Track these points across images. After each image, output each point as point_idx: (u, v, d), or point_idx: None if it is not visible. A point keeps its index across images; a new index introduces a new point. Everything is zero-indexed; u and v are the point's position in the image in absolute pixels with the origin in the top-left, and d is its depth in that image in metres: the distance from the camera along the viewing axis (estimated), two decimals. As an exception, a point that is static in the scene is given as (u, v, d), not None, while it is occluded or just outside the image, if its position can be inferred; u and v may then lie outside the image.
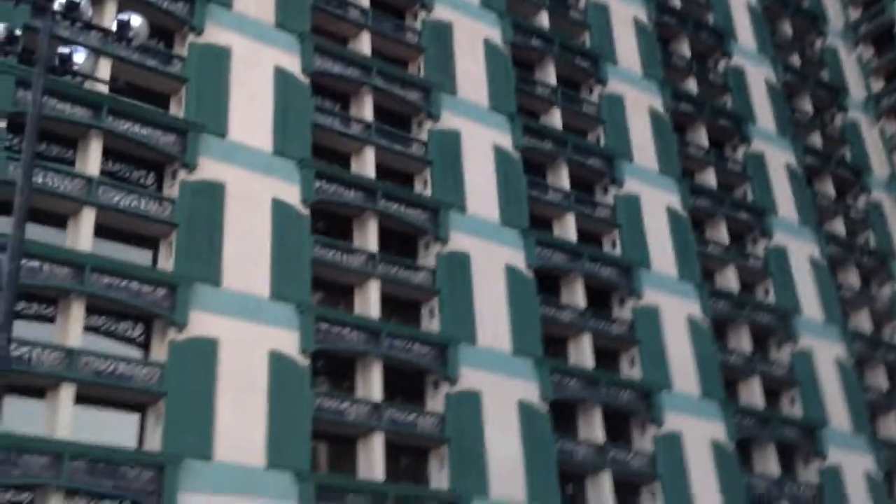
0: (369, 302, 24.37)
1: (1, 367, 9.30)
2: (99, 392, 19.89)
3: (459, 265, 26.30)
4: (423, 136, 27.83)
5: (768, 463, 30.37)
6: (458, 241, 26.68)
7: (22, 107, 20.54)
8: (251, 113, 24.39)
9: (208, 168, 22.97)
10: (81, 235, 20.70)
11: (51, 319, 20.18)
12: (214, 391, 20.68)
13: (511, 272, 27.29)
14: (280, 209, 23.65)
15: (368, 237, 25.19)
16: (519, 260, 27.73)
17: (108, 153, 22.19)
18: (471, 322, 25.68)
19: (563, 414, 26.85)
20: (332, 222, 25.40)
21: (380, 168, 26.68)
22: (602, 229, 30.80)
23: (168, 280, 21.11)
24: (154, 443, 19.98)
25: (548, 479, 24.82)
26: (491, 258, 27.08)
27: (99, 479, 18.76)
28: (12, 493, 18.09)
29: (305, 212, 24.08)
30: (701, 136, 35.88)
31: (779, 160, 37.76)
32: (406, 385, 24.60)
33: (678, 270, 31.35)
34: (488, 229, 27.54)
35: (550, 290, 28.79)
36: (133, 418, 20.51)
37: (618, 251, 30.41)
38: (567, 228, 29.75)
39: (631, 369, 28.80)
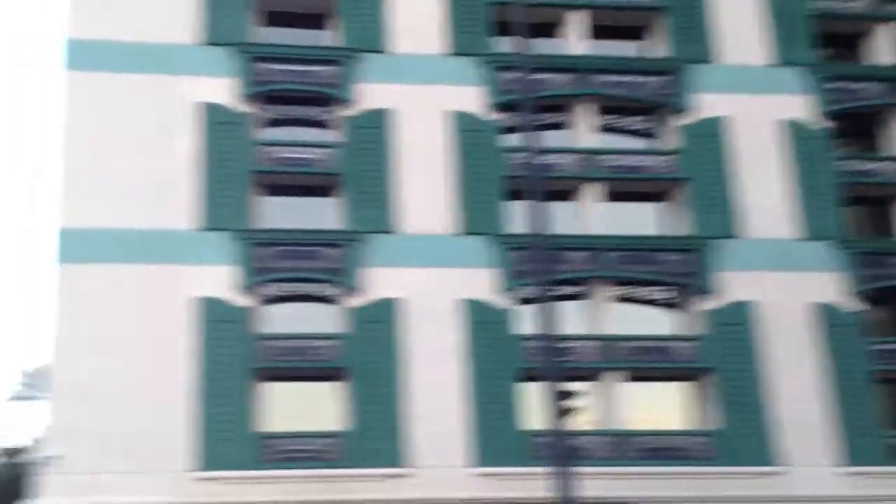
0: (877, 49, 21.80)
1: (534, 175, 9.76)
2: (618, 186, 20.63)
3: None
4: None
5: None
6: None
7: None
8: None
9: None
10: (572, 43, 21.09)
11: (563, 126, 21.16)
12: (736, 170, 20.31)
13: None
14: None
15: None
16: None
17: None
18: None
19: None
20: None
21: None
22: None
23: (663, 67, 20.86)
24: (678, 228, 20.35)
25: None
26: None
27: (633, 266, 19.76)
28: (565, 287, 19.88)
29: (796, -36, 21.85)
30: None
31: None
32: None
33: None
34: None
35: None
36: (650, 207, 21.02)
37: None
38: None
39: None
